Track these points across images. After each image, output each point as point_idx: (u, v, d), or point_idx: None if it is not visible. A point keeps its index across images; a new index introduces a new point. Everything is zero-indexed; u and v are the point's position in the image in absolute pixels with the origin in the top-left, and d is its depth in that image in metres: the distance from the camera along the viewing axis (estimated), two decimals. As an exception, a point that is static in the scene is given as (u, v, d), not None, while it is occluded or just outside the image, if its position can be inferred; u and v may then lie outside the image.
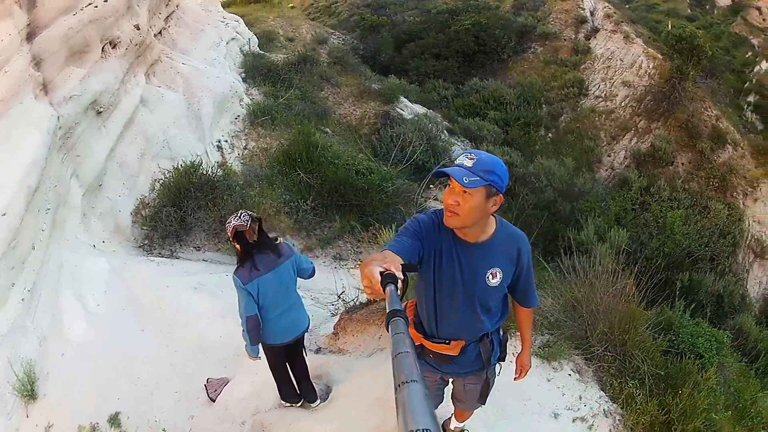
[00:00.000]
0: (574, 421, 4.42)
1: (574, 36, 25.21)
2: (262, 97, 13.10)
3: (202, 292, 6.66)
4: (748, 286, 15.11)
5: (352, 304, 6.10)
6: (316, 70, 16.66)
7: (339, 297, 6.52)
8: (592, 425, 4.42)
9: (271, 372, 4.62)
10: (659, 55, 21.95)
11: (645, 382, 4.67)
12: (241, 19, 16.82)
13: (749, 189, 17.28)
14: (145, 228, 8.04)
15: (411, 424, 0.97)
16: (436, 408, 3.33)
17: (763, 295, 15.36)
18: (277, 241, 4.32)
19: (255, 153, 10.85)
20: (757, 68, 41.91)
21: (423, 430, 0.95)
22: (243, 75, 14.02)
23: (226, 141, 10.75)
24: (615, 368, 4.90)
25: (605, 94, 21.71)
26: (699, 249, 13.65)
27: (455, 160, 2.39)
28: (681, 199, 16.24)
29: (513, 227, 2.72)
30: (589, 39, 24.92)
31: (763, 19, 53.58)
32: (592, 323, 5.07)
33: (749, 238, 16.17)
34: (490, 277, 2.60)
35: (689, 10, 47.75)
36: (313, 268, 4.57)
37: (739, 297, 13.10)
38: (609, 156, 19.16)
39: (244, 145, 11.01)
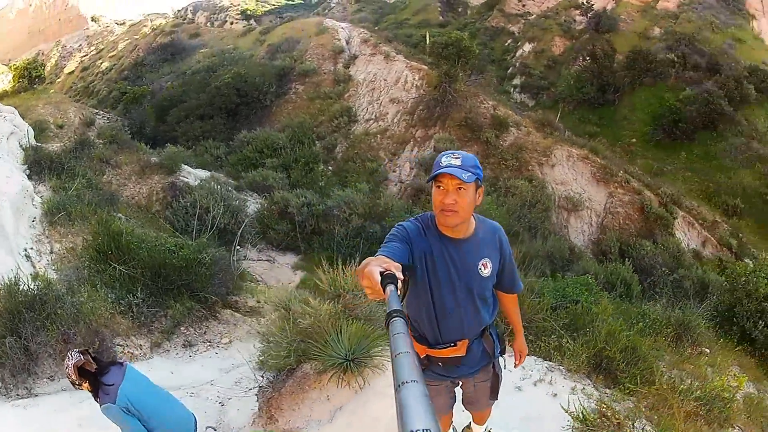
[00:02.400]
0: (535, 384, 5.14)
1: (333, 67, 26.72)
2: (51, 193, 12.42)
3: (89, 427, 5.94)
4: (572, 239, 16.99)
5: (272, 378, 5.72)
6: (95, 154, 16.20)
7: (262, 376, 6.08)
8: (551, 381, 5.19)
9: None
10: (424, 66, 23.44)
11: (559, 334, 5.72)
12: (15, 111, 16.00)
13: (543, 158, 19.37)
14: (-10, 368, 7.13)
15: (411, 424, 0.99)
16: (452, 407, 3.39)
17: (589, 240, 17.53)
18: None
19: (63, 255, 10.12)
20: (519, 52, 47.28)
21: (423, 430, 0.97)
22: (27, 171, 13.29)
23: (32, 248, 9.98)
24: (526, 335, 5.63)
25: (375, 116, 22.81)
26: (515, 224, 14.90)
27: (440, 162, 2.53)
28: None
29: (488, 219, 2.95)
30: (349, 67, 26.36)
31: (523, 5, 60.30)
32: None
33: (557, 200, 17.99)
34: (482, 267, 2.79)
35: (441, 18, 52.24)
36: None
37: (568, 250, 14.88)
38: (394, 171, 20.10)
39: (49, 248, 10.24)
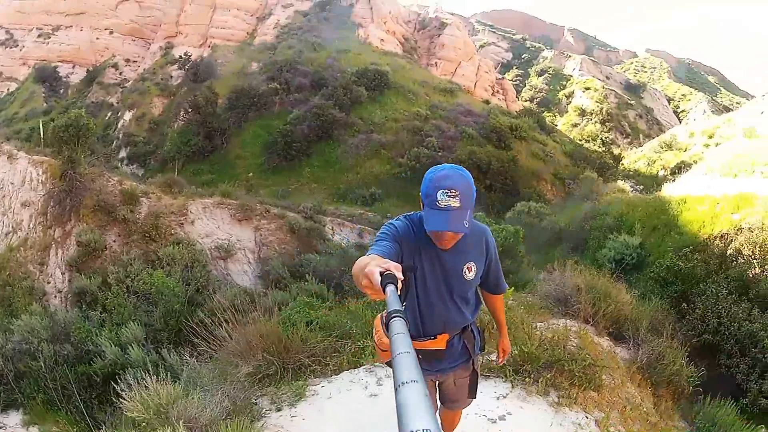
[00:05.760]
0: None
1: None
2: None
3: None
4: (240, 283, 18.56)
5: None
6: None
7: None
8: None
9: None
10: (45, 158, 23.06)
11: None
12: None
13: (181, 218, 20.69)
14: None
15: (411, 424, 1.08)
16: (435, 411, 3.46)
17: (255, 277, 19.42)
18: None
19: None
20: (121, 122, 49.61)
21: (423, 430, 1.06)
22: None
23: None
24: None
25: (13, 227, 21.80)
26: (184, 289, 15.57)
27: (437, 200, 2.69)
28: (129, 262, 18.02)
29: (476, 221, 3.10)
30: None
31: (120, 73, 62.21)
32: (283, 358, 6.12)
33: (210, 252, 19.64)
34: (467, 271, 3.09)
35: (45, 104, 51.86)
36: None
37: (246, 294, 14.51)
38: (49, 283, 19.14)
39: None
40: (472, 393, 3.58)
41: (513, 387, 5.49)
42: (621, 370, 6.68)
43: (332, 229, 23.23)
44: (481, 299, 3.47)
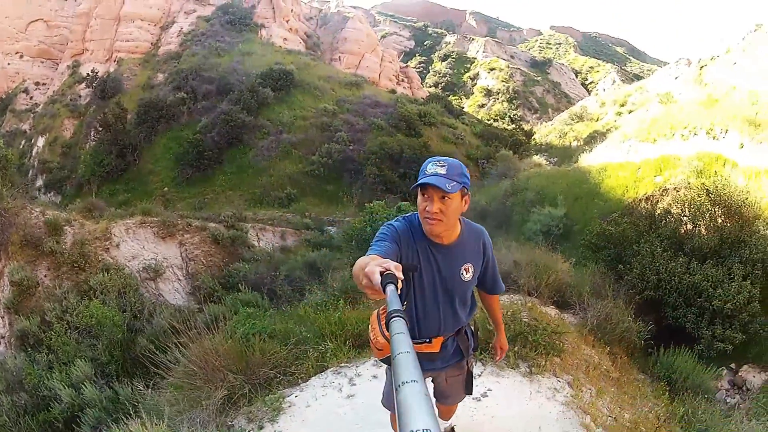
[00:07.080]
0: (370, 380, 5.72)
1: None
2: None
3: None
4: (173, 302, 17.57)
5: None
6: None
7: None
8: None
9: None
10: None
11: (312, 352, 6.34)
12: None
13: (106, 243, 20.25)
14: None
15: (411, 424, 1.09)
16: None
17: (186, 293, 19.29)
18: None
19: None
20: (35, 150, 48.30)
21: (423, 430, 1.07)
22: None
23: None
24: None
25: None
26: (123, 319, 14.89)
27: (426, 169, 2.74)
28: (63, 296, 17.32)
29: (474, 223, 3.17)
30: None
31: (31, 98, 61.20)
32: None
33: (138, 275, 19.23)
34: (464, 272, 3.04)
35: None
36: None
37: (175, 312, 14.68)
38: None
39: None
40: (468, 389, 3.61)
41: (484, 365, 5.72)
42: (573, 335, 6.97)
43: (256, 235, 23.25)
44: (476, 300, 3.44)
